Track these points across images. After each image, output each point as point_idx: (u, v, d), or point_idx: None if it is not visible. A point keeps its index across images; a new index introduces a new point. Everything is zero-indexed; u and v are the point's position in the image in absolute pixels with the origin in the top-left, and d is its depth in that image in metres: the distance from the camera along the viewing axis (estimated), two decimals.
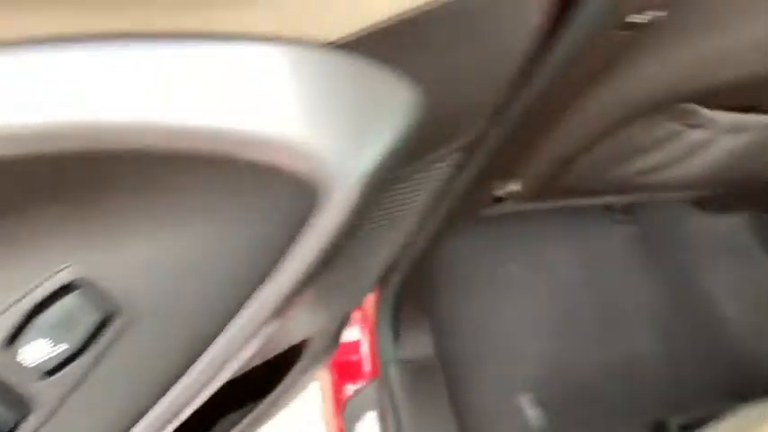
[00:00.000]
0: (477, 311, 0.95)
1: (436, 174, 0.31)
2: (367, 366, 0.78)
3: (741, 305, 1.06)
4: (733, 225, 1.17)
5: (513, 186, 0.76)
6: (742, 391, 0.77)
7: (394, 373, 0.77)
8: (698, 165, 0.68)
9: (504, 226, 1.04)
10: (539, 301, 1.00)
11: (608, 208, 1.16)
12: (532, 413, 0.86)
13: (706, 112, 0.58)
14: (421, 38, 0.20)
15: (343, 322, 0.48)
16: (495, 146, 0.51)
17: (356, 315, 0.80)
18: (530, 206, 0.91)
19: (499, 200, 0.80)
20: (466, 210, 0.70)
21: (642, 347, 0.99)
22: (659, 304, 1.06)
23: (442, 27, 0.21)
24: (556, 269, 1.05)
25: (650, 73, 0.51)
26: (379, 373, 0.77)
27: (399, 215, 0.30)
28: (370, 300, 0.78)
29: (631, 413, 0.88)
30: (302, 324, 0.42)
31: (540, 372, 0.92)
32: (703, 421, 0.69)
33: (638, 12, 0.40)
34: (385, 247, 0.36)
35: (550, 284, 1.03)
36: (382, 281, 0.74)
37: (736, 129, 0.62)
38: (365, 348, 0.79)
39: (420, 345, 0.81)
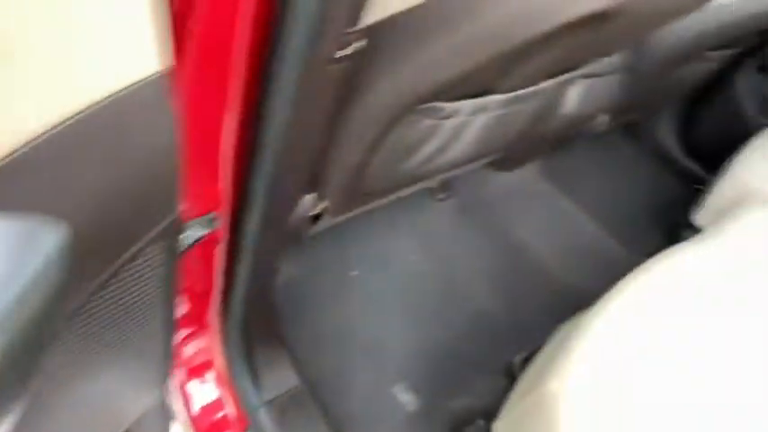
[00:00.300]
0: (333, 325, 0.98)
1: (152, 259, 0.32)
2: (235, 420, 0.77)
3: (550, 243, 1.25)
4: (529, 175, 1.36)
5: (324, 203, 0.80)
6: (565, 316, 0.90)
7: (264, 417, 0.77)
8: (465, 144, 0.78)
9: (338, 235, 1.09)
10: (388, 296, 1.07)
11: (428, 189, 1.28)
12: (406, 399, 0.92)
13: (449, 105, 0.68)
14: (39, 173, 0.21)
15: (165, 401, 0.47)
16: (273, 182, 0.54)
17: (209, 374, 0.78)
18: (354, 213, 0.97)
19: (317, 218, 0.84)
20: (284, 239, 0.72)
21: (485, 304, 1.11)
22: (490, 262, 1.19)
23: (60, 156, 0.21)
24: (396, 261, 1.13)
25: (385, 86, 0.58)
26: (248, 423, 0.76)
27: (134, 306, 0.31)
28: (217, 353, 0.76)
29: (488, 365, 0.99)
30: (114, 419, 0.41)
31: (405, 359, 0.98)
32: (538, 350, 0.81)
33: (342, 48, 0.45)
34: (144, 338, 0.36)
35: (394, 276, 1.10)
36: (222, 333, 0.74)
37: (478, 110, 0.73)
38: (228, 403, 0.78)
39: (283, 378, 0.82)
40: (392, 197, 0.96)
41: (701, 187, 1.22)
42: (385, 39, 0.51)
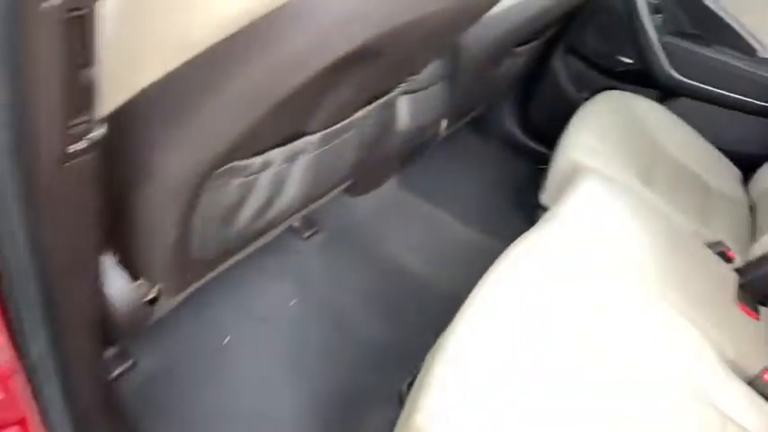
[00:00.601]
0: (211, 406, 0.90)
1: None
2: None
3: (424, 254, 1.26)
4: (389, 191, 1.37)
5: (157, 286, 0.73)
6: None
7: None
8: (293, 189, 0.75)
9: (200, 303, 1.01)
10: (269, 353, 1.01)
11: (293, 229, 1.24)
12: None
13: (255, 159, 0.64)
14: None
15: None
16: (48, 296, 0.47)
17: None
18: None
19: (154, 300, 0.77)
20: (100, 343, 0.64)
21: (372, 333, 1.09)
22: (369, 288, 1.18)
23: None
24: (272, 312, 1.07)
25: (165, 161, 0.53)
26: None
27: None
28: None
29: (384, 396, 0.97)
30: None
31: (299, 416, 0.93)
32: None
33: (75, 142, 0.40)
34: None
35: (273, 329, 1.04)
36: None
37: (295, 154, 0.70)
38: None
39: None
40: (249, 250, 0.91)
41: (545, 167, 1.30)
42: (141, 115, 0.47)
